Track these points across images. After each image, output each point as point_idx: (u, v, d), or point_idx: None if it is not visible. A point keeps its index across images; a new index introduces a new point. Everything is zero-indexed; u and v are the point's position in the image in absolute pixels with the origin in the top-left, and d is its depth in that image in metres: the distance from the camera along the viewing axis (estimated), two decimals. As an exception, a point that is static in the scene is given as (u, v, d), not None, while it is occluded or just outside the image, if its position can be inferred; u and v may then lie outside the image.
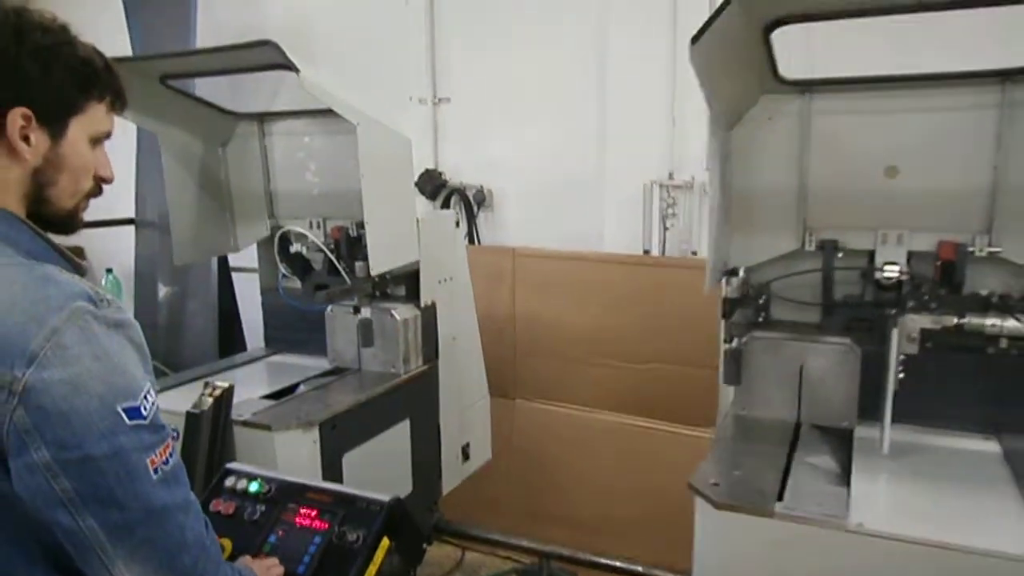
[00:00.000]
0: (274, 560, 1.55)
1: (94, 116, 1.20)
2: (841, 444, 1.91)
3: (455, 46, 3.74)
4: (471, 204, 3.78)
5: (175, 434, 1.17)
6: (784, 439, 1.93)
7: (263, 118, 2.85)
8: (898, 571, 1.47)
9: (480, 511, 3.32)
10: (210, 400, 2.16)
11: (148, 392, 1.10)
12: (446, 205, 3.77)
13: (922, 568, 1.45)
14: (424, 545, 2.02)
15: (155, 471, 1.08)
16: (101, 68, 1.20)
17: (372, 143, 2.23)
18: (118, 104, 1.25)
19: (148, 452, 1.07)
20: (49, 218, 1.19)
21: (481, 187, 3.79)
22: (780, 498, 1.62)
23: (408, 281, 2.69)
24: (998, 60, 1.82)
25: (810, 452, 1.86)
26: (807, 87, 2.01)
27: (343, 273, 2.59)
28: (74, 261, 1.22)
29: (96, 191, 1.25)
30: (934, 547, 1.44)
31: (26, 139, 1.11)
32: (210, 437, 2.15)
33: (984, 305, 1.80)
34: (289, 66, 2.04)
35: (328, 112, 2.20)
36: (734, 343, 2.00)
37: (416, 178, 3.81)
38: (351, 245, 2.64)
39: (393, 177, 2.42)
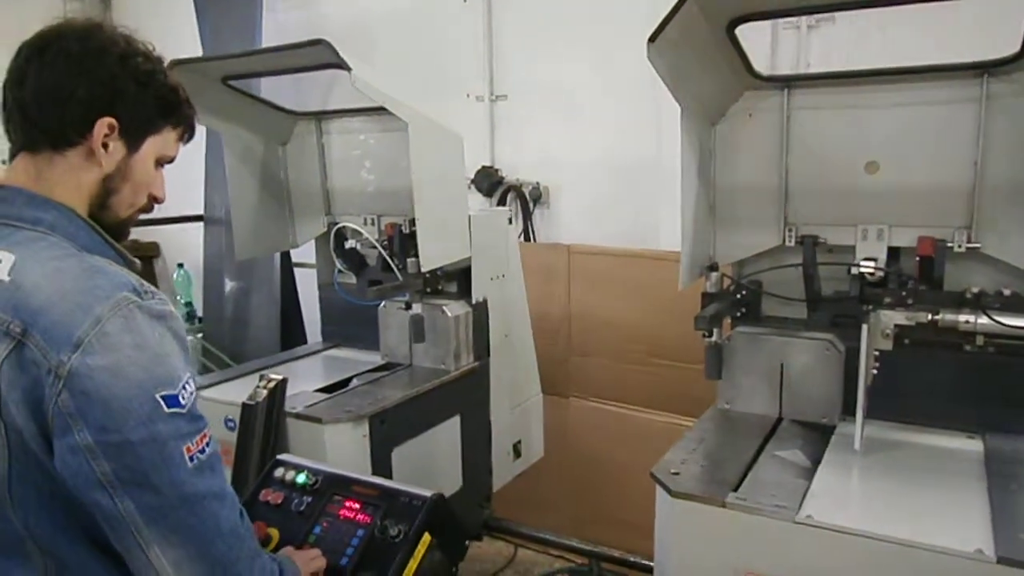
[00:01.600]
0: (316, 552, 1.58)
1: (166, 139, 1.32)
2: (818, 439, 1.92)
3: (512, 43, 3.77)
4: (527, 201, 3.79)
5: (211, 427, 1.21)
6: (760, 433, 1.96)
7: (321, 117, 2.93)
8: (844, 564, 1.49)
9: (533, 509, 3.32)
10: (264, 392, 2.22)
11: (187, 382, 1.14)
12: (502, 202, 3.79)
13: (867, 562, 1.47)
14: (467, 542, 2.03)
15: (191, 459, 1.12)
16: (183, 100, 1.34)
17: (423, 140, 2.26)
18: (187, 135, 1.39)
19: (184, 440, 1.12)
20: (104, 223, 1.27)
21: (537, 184, 3.79)
22: (737, 489, 1.65)
23: (460, 278, 2.71)
24: (984, 53, 1.79)
25: (781, 446, 1.89)
26: (786, 83, 2.02)
27: (395, 269, 2.62)
28: (127, 257, 1.30)
29: (148, 208, 1.35)
30: (879, 541, 1.45)
31: (105, 146, 1.22)
32: (264, 427, 2.22)
33: (961, 302, 1.79)
34: (341, 65, 2.07)
35: (382, 110, 2.24)
36: (714, 338, 2.04)
37: (472, 175, 3.83)
38: (404, 242, 2.67)
39: (444, 174, 2.45)
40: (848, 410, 1.92)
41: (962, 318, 1.76)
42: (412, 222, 2.61)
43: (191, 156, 4.31)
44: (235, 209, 2.82)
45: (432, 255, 2.36)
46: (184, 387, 1.13)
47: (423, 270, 2.37)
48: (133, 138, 1.25)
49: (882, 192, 1.94)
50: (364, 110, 2.82)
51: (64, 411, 1.05)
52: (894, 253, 1.96)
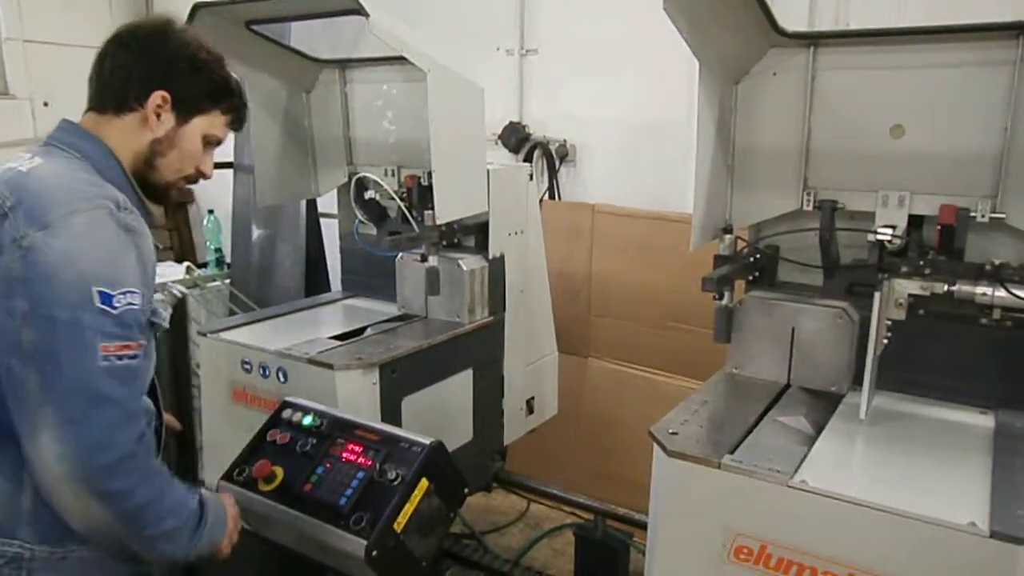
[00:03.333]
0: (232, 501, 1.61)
1: (214, 121, 1.53)
2: (824, 407, 1.89)
3: (545, -3, 3.67)
4: (553, 159, 3.74)
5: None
6: (766, 398, 1.94)
7: (345, 65, 2.91)
8: (835, 531, 1.48)
9: (547, 465, 3.36)
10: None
11: (129, 292, 1.25)
12: (528, 159, 3.75)
13: (858, 530, 1.45)
14: (466, 491, 2.06)
15: (105, 358, 1.20)
16: (235, 92, 1.56)
17: (442, 90, 2.24)
18: (236, 124, 1.60)
19: (105, 339, 1.21)
20: (150, 182, 1.48)
21: (564, 142, 3.75)
22: (735, 452, 1.64)
23: (478, 232, 2.71)
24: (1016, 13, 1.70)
25: (786, 412, 1.87)
26: (813, 41, 1.95)
27: (412, 221, 2.62)
28: (145, 205, 1.49)
29: (193, 179, 1.56)
30: (872, 509, 1.44)
31: (158, 115, 1.44)
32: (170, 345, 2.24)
33: (980, 273, 1.73)
34: (360, 11, 2.05)
35: (405, 60, 2.21)
36: (725, 301, 2.02)
37: (500, 131, 3.79)
38: (422, 194, 2.67)
39: (463, 125, 2.43)
40: (858, 380, 1.88)
41: (979, 290, 1.70)
42: (431, 175, 2.60)
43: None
44: (257, 155, 2.84)
45: (448, 207, 2.36)
46: (124, 294, 1.23)
47: (439, 222, 2.37)
48: (183, 113, 1.46)
49: (906, 157, 1.87)
50: (387, 59, 2.80)
51: (12, 276, 1.18)
52: (917, 221, 1.90)
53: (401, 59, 2.33)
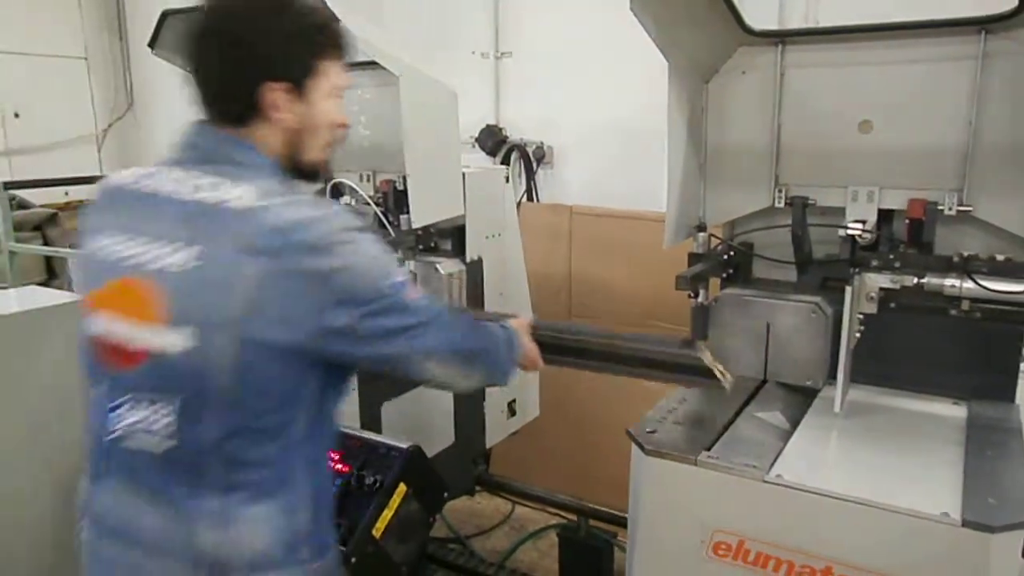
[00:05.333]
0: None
1: (330, 73, 1.36)
2: (800, 402, 1.91)
3: (518, 1, 3.67)
4: (531, 161, 3.75)
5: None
6: (742, 394, 1.95)
7: (318, 70, 2.88)
8: (811, 524, 1.49)
9: (531, 467, 3.35)
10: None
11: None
12: (506, 161, 3.76)
13: (834, 522, 1.47)
14: (445, 495, 2.06)
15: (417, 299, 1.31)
16: (328, 28, 1.36)
17: (415, 95, 2.24)
18: (347, 57, 1.40)
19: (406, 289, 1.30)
20: (304, 168, 1.39)
21: (541, 144, 3.76)
22: (711, 448, 1.66)
23: (455, 236, 2.70)
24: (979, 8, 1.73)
25: (762, 407, 1.88)
26: (780, 39, 1.97)
27: (388, 226, 2.61)
28: None
29: (341, 138, 1.44)
30: (846, 502, 1.46)
31: (278, 108, 1.30)
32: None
33: (949, 266, 1.75)
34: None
35: (378, 64, 2.20)
36: (700, 299, 2.02)
37: (477, 133, 3.80)
38: (398, 198, 2.66)
39: (437, 129, 2.43)
40: (834, 374, 1.88)
41: (947, 282, 1.72)
42: (407, 179, 2.60)
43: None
44: (232, 163, 2.81)
45: (423, 211, 2.35)
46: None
47: (414, 226, 2.37)
48: (300, 89, 1.32)
49: (874, 153, 1.89)
50: (360, 64, 2.78)
51: (323, 303, 1.20)
52: (887, 216, 1.92)
53: (374, 64, 2.33)
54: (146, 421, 1.22)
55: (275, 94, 1.28)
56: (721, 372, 1.58)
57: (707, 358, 1.58)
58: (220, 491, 1.22)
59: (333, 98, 1.37)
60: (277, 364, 1.20)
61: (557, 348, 1.64)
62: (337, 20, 1.38)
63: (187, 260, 1.19)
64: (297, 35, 1.31)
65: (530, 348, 1.61)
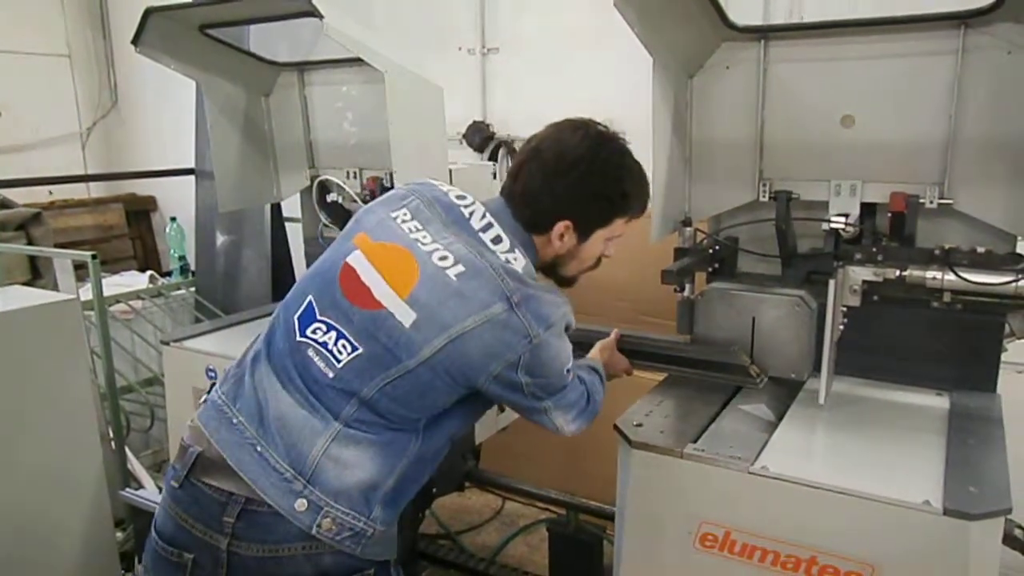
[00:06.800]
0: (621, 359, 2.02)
1: (615, 228, 1.61)
2: (785, 395, 1.93)
3: (505, -5, 3.67)
4: (518, 157, 3.73)
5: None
6: (728, 387, 1.97)
7: (303, 68, 2.89)
8: (796, 514, 1.51)
9: (521, 463, 3.35)
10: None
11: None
12: (493, 157, 3.75)
13: (818, 512, 1.49)
14: (433, 490, 2.06)
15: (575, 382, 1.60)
16: (634, 195, 1.60)
17: (401, 91, 2.24)
18: (637, 216, 1.66)
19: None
20: (558, 279, 1.67)
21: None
22: (697, 441, 1.67)
23: (443, 233, 2.68)
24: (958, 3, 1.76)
25: (748, 400, 1.90)
26: (763, 34, 1.98)
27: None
28: None
29: (596, 266, 1.69)
30: (830, 492, 1.47)
31: (561, 237, 1.55)
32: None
33: (930, 258, 1.78)
34: (314, 12, 2.04)
35: (364, 61, 2.20)
36: (686, 293, 2.05)
37: (464, 130, 3.79)
38: (385, 195, 2.64)
39: (423, 126, 2.43)
40: (818, 366, 1.90)
41: (929, 274, 1.74)
42: (393, 176, 2.60)
43: (180, 108, 4.30)
44: (217, 161, 2.81)
45: (410, 208, 2.34)
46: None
47: (401, 223, 2.36)
48: (585, 234, 1.57)
49: (856, 146, 1.91)
50: (345, 61, 2.79)
51: (517, 360, 1.42)
52: (870, 209, 1.95)
53: (359, 60, 2.33)
54: (329, 347, 1.41)
55: (564, 228, 1.53)
56: (756, 372, 1.92)
57: (743, 359, 1.93)
58: (345, 421, 1.39)
59: (606, 241, 1.61)
60: (445, 380, 1.41)
61: (634, 353, 2.02)
62: (645, 184, 1.63)
63: (452, 270, 1.40)
64: (607, 197, 1.55)
65: (618, 363, 1.97)
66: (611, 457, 1.78)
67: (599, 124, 1.60)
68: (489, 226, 1.50)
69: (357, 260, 1.46)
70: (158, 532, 1.47)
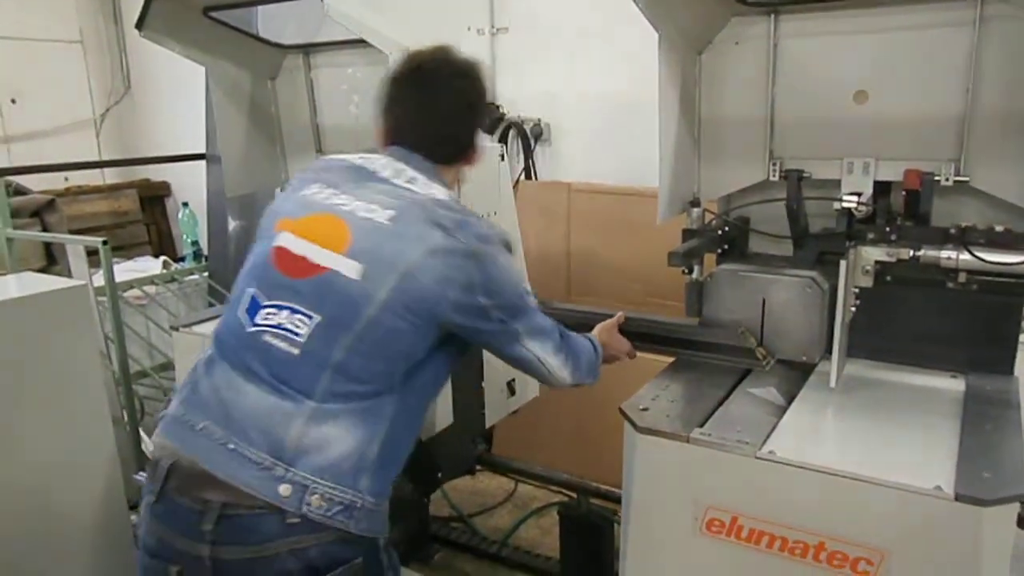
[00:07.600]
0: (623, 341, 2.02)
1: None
2: (796, 378, 1.89)
3: (514, -27, 3.62)
4: (528, 138, 3.71)
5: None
6: (738, 370, 1.94)
7: (308, 50, 2.86)
8: (804, 500, 1.49)
9: (533, 446, 3.35)
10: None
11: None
12: (503, 139, 3.72)
13: (826, 498, 1.46)
14: (439, 475, 2.06)
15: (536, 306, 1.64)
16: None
17: (405, 71, 2.19)
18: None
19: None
20: None
21: (539, 121, 3.71)
22: (704, 425, 1.65)
23: (450, 215, 2.66)
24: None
25: (757, 383, 1.87)
26: (773, 8, 1.93)
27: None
28: None
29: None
30: (839, 477, 1.44)
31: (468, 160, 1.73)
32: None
33: (945, 237, 1.73)
34: (316, -7, 2.01)
35: (368, 42, 2.18)
36: (695, 275, 2.01)
37: (473, 111, 3.74)
38: (392, 178, 2.62)
39: (430, 107, 2.38)
40: (830, 348, 1.86)
41: (944, 254, 1.70)
42: (400, 158, 2.57)
43: (191, 93, 4.30)
44: (224, 145, 2.80)
45: (417, 190, 2.32)
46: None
47: (408, 205, 2.34)
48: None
49: (870, 123, 1.86)
50: (351, 42, 2.76)
51: (472, 280, 1.47)
52: (884, 188, 1.90)
53: (364, 42, 2.30)
54: (285, 325, 1.42)
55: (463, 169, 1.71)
56: (762, 355, 1.91)
57: (749, 341, 1.92)
58: (320, 397, 1.38)
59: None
60: (408, 320, 1.42)
61: (640, 336, 2.03)
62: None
63: (381, 216, 1.44)
64: (488, 110, 1.76)
65: (619, 344, 1.99)
66: (621, 441, 1.76)
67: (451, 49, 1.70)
68: (400, 171, 1.56)
69: (285, 239, 1.49)
70: (143, 547, 1.47)
